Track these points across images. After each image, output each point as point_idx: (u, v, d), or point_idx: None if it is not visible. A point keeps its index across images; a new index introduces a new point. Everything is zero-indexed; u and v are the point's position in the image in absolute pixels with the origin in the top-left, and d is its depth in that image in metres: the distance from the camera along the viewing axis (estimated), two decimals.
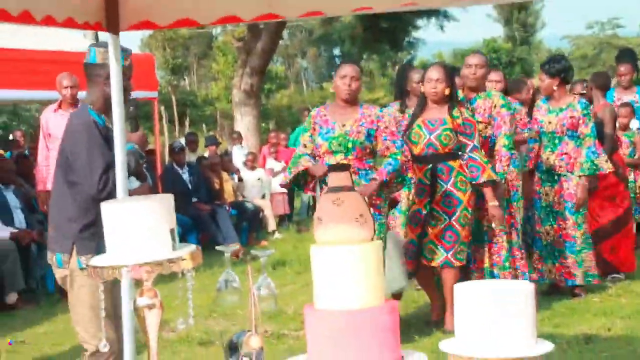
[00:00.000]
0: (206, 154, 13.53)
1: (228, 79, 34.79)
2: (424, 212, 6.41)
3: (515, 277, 6.90)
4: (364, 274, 2.69)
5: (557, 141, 7.29)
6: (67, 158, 4.35)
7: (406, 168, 6.27)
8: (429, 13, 17.59)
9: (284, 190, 12.87)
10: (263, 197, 12.90)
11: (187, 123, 24.71)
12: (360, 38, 18.37)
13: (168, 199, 2.74)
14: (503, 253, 6.83)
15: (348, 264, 2.68)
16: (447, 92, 6.35)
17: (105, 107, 4.37)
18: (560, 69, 7.27)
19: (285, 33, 35.37)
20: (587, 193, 7.27)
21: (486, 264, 6.79)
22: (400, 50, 25.40)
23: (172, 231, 2.71)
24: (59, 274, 4.37)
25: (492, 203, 6.38)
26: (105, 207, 2.72)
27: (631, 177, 8.96)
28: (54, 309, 8.33)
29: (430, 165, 6.36)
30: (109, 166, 4.26)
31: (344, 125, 5.97)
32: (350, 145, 5.93)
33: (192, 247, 2.77)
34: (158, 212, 2.69)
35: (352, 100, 6.03)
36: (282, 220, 13.33)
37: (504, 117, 6.82)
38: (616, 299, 7.30)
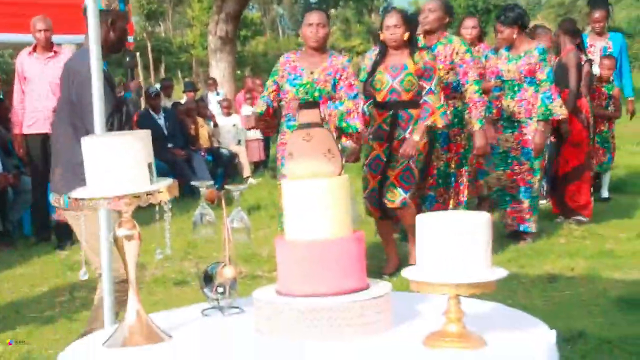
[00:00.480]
0: (182, 100, 13.60)
1: (203, 26, 34.61)
2: (383, 157, 6.50)
3: None
4: (332, 206, 2.83)
5: (516, 88, 7.46)
6: (72, 102, 4.44)
7: (353, 116, 6.20)
8: None
9: (260, 136, 13.01)
10: (238, 143, 13.02)
11: (162, 70, 24.63)
12: None
13: (146, 135, 2.86)
14: (466, 193, 7.02)
15: (317, 197, 2.82)
16: (405, 37, 6.40)
17: (110, 52, 4.52)
18: (515, 17, 7.37)
19: None
20: (544, 138, 7.42)
21: (451, 205, 6.98)
22: None
23: (149, 165, 2.84)
24: (67, 215, 4.46)
25: (415, 136, 6.33)
26: (86, 141, 2.84)
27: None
28: (29, 252, 8.48)
29: (392, 112, 6.41)
30: (114, 109, 4.40)
31: (312, 73, 6.02)
32: (317, 93, 6.04)
33: (169, 180, 2.90)
34: (136, 147, 2.81)
35: (321, 48, 6.08)
36: (257, 166, 13.46)
37: (468, 63, 6.92)
38: (581, 240, 7.54)
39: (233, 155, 12.52)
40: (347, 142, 6.38)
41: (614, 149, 9.26)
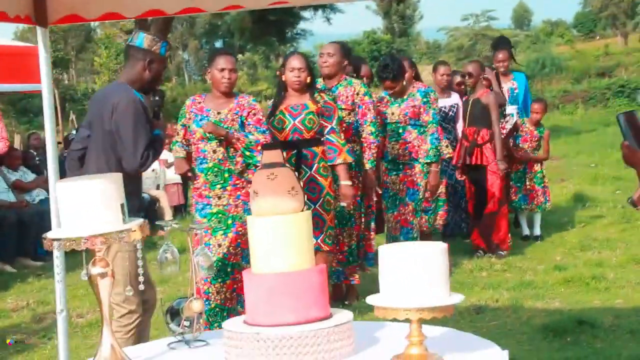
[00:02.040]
0: None
1: (111, 72, 34.49)
2: None
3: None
4: (296, 241, 3.02)
5: (400, 130, 7.62)
6: (108, 132, 4.73)
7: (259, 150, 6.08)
8: (316, 6, 17.99)
9: (179, 180, 13.06)
10: (158, 187, 13.06)
11: (72, 116, 24.48)
12: (249, 30, 18.66)
13: (118, 177, 3.02)
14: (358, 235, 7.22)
15: (282, 232, 3.00)
16: (308, 80, 6.51)
17: (141, 89, 4.85)
18: (391, 71, 7.52)
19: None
20: (438, 178, 7.65)
21: (347, 247, 7.08)
22: (287, 42, 25.92)
23: (122, 206, 2.99)
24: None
25: (344, 182, 6.48)
26: (61, 185, 2.97)
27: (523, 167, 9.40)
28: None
29: (295, 151, 6.40)
30: (148, 144, 4.76)
31: (219, 113, 5.92)
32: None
33: (140, 220, 3.05)
34: (109, 189, 2.96)
35: (230, 92, 6.01)
36: (177, 210, 13.50)
37: (367, 104, 7.07)
38: (502, 273, 7.85)
39: (153, 200, 12.56)
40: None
41: (547, 188, 9.52)
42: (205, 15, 33.05)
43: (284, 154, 6.42)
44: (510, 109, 9.60)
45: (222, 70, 5.89)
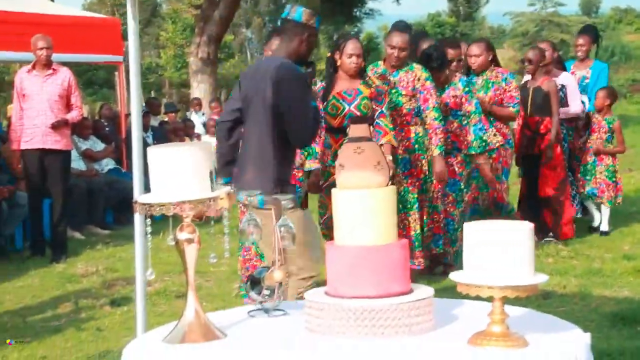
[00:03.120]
0: (165, 119, 13.76)
1: (177, 47, 34.75)
2: None
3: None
4: (380, 215, 3.04)
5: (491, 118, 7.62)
6: (271, 105, 4.77)
7: (316, 141, 6.13)
8: None
9: None
10: None
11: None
12: (316, 8, 18.67)
13: (208, 146, 3.07)
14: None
15: (367, 206, 3.02)
16: (363, 65, 6.54)
17: (297, 62, 4.95)
18: (435, 60, 7.31)
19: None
20: (488, 170, 7.49)
21: (414, 231, 7.02)
22: (355, 22, 25.81)
23: (210, 174, 3.04)
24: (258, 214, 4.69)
25: (388, 157, 6.21)
26: (152, 151, 3.03)
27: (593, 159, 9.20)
28: (25, 265, 8.61)
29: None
30: (315, 113, 4.92)
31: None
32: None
33: (228, 188, 3.10)
34: (199, 156, 3.00)
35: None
36: None
37: (429, 90, 7.00)
38: (569, 260, 7.79)
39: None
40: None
41: (619, 183, 9.32)
42: None
43: (334, 139, 6.48)
44: (583, 98, 9.45)
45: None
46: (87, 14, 15.07)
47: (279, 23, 6.29)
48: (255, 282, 3.38)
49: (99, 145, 11.22)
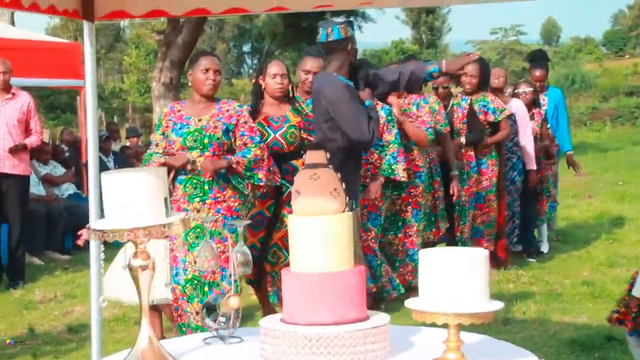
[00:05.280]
0: (127, 144, 13.70)
1: (140, 72, 34.68)
2: (267, 214, 6.18)
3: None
4: (336, 241, 3.03)
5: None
6: (325, 120, 5.21)
7: (259, 166, 5.62)
8: (348, 13, 18.01)
9: None
10: None
11: (101, 114, 24.65)
12: (280, 35, 18.75)
13: (162, 171, 3.05)
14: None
15: (323, 232, 3.02)
16: (289, 88, 6.23)
17: (349, 73, 5.26)
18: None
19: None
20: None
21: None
22: None
23: (165, 199, 3.01)
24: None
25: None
26: (106, 177, 3.00)
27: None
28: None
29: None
30: (368, 118, 5.14)
31: (199, 120, 5.46)
32: (206, 140, 5.44)
33: (182, 214, 3.08)
34: (153, 182, 2.98)
35: (212, 96, 5.57)
36: None
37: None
38: (529, 286, 7.82)
39: None
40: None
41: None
42: (235, 19, 33.08)
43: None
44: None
45: (207, 71, 5.47)
46: (48, 38, 15.00)
47: (317, 47, 6.21)
48: (210, 309, 3.35)
49: (59, 170, 11.12)
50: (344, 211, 3.09)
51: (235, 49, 61.33)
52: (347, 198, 3.12)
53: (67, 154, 11.92)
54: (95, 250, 4.06)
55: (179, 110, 5.55)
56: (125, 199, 2.96)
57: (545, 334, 6.27)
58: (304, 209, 3.08)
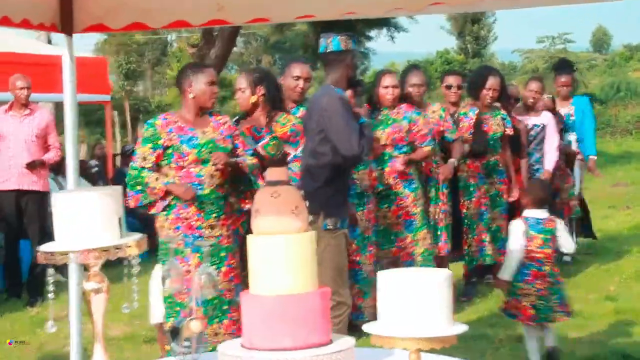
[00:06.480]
0: None
1: None
2: (242, 232, 5.70)
3: None
4: (299, 262, 2.90)
5: (387, 157, 7.05)
6: (318, 132, 5.22)
7: (257, 174, 5.36)
8: (380, 24, 17.91)
9: None
10: None
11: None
12: (312, 47, 18.63)
13: (117, 191, 2.94)
14: None
15: (283, 253, 2.89)
16: (256, 99, 5.99)
17: (348, 85, 5.35)
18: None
19: (239, 41, 35.47)
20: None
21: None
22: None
23: (119, 220, 2.91)
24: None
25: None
26: (57, 196, 2.90)
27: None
28: (1, 308, 8.46)
29: None
30: (360, 134, 5.12)
31: (204, 132, 5.27)
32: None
33: (138, 235, 2.96)
34: (106, 202, 2.88)
35: (209, 108, 5.42)
36: None
37: None
38: None
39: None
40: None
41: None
42: (270, 30, 33.04)
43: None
44: (570, 136, 9.31)
45: (212, 83, 5.26)
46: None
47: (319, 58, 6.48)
48: (176, 333, 3.24)
49: (84, 185, 11.11)
50: (306, 230, 2.96)
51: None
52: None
53: (95, 168, 11.92)
54: (74, 273, 3.96)
55: (176, 122, 5.25)
56: (76, 219, 2.86)
57: (561, 352, 6.05)
58: (264, 228, 2.96)
